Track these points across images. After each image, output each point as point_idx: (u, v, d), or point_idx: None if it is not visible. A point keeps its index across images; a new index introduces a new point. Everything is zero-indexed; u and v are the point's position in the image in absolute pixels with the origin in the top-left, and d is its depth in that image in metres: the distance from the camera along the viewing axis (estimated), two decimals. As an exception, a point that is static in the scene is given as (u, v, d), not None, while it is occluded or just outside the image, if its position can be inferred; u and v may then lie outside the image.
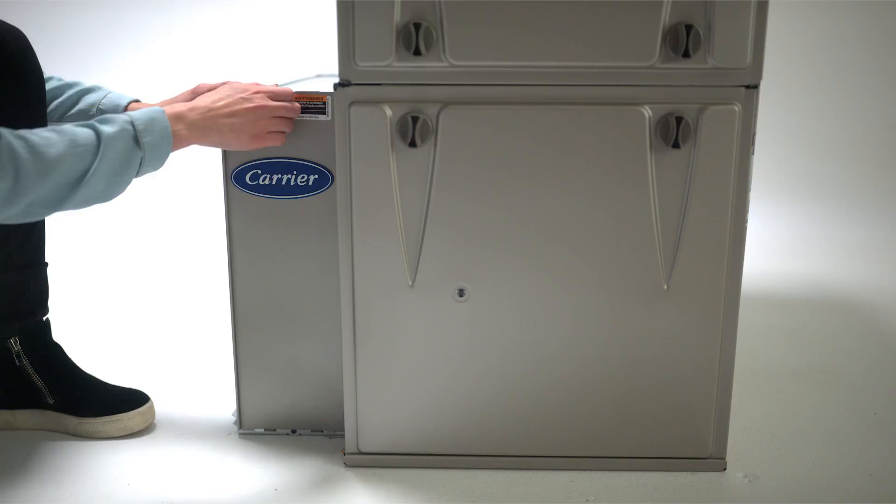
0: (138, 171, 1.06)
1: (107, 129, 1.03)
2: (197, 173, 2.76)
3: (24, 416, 1.34)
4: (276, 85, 1.25)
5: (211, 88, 1.35)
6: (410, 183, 1.14)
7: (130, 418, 1.33)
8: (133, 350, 1.71)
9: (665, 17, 1.09)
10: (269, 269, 1.26)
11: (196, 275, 2.20)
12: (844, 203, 2.84)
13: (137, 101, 1.40)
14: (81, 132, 1.02)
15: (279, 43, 2.88)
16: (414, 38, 1.09)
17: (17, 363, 1.31)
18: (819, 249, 2.50)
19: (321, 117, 1.20)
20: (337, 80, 1.12)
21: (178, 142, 1.10)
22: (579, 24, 1.09)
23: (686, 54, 1.09)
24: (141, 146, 1.05)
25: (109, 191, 1.04)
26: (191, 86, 1.38)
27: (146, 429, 1.35)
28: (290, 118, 1.19)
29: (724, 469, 1.24)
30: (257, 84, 1.20)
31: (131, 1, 2.91)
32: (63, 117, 1.37)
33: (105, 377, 1.39)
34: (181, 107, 1.12)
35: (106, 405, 1.33)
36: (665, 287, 1.17)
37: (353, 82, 1.12)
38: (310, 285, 1.26)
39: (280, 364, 1.30)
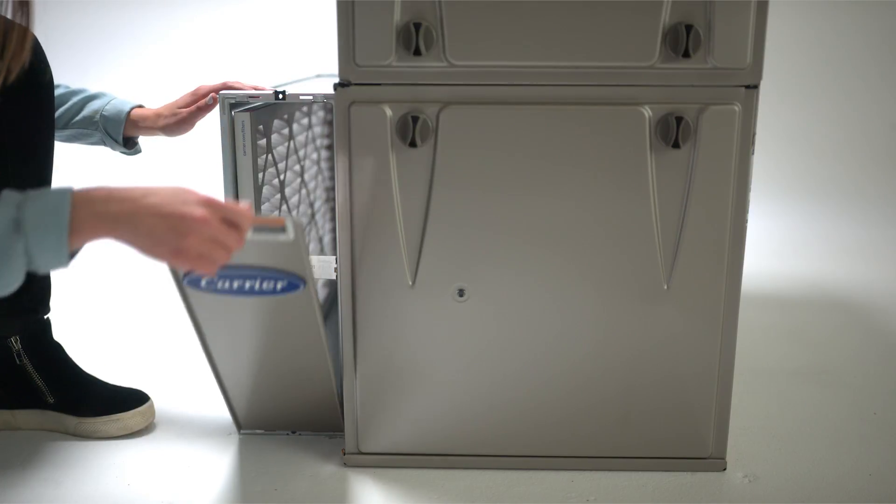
0: (29, 263, 0.85)
1: None
2: (198, 173, 2.76)
3: (24, 416, 1.34)
4: (237, 201, 1.08)
5: (211, 90, 1.35)
6: (410, 183, 1.14)
7: (130, 418, 1.33)
8: (133, 350, 1.71)
9: (665, 17, 1.09)
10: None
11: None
12: (844, 203, 2.84)
13: (141, 106, 1.41)
14: None
15: (279, 43, 2.88)
16: (414, 38, 1.09)
17: (18, 362, 1.31)
18: (819, 249, 2.51)
19: (282, 237, 1.02)
20: (337, 80, 1.12)
21: (78, 233, 0.86)
22: (579, 24, 1.09)
23: (686, 54, 1.09)
24: (22, 232, 0.84)
25: None
26: (191, 87, 1.39)
27: (146, 429, 1.35)
28: (230, 248, 0.94)
29: (724, 469, 1.24)
30: (210, 198, 0.94)
31: (131, 1, 2.91)
32: (68, 124, 1.38)
33: (105, 377, 1.39)
34: (100, 191, 0.89)
35: (106, 405, 1.33)
36: (665, 287, 1.17)
37: (353, 82, 1.12)
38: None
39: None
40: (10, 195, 0.86)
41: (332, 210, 1.99)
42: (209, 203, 0.93)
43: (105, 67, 2.88)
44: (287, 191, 1.49)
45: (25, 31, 0.96)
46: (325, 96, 1.22)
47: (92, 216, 0.87)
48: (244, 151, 1.23)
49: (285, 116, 1.49)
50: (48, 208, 0.85)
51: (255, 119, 1.24)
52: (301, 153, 1.64)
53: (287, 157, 1.49)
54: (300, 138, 1.63)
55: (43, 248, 0.85)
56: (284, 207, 1.45)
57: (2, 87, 0.96)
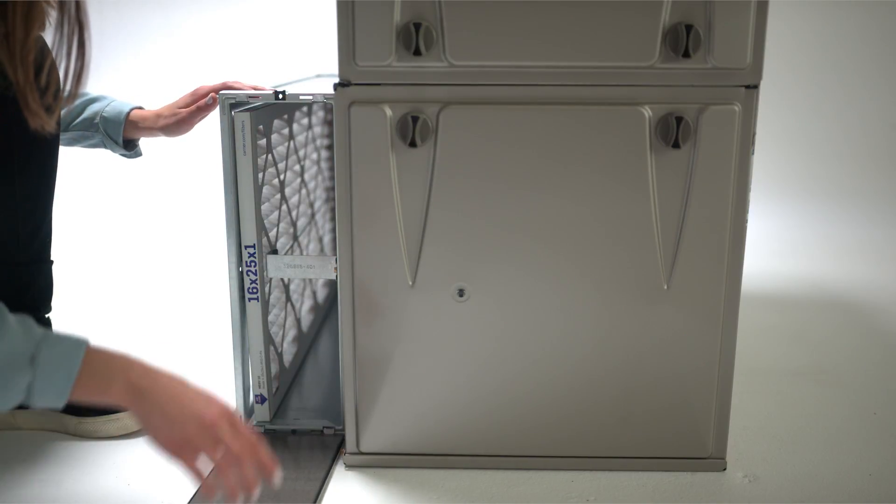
0: (28, 398, 0.86)
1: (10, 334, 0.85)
2: (198, 173, 2.76)
3: (24, 416, 1.34)
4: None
5: (211, 90, 1.36)
6: (410, 183, 1.14)
7: (130, 417, 1.33)
8: (133, 350, 1.71)
9: (665, 17, 1.09)
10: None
11: (196, 275, 2.20)
12: (844, 203, 2.84)
13: (140, 108, 1.41)
14: None
15: (279, 43, 2.88)
16: (414, 38, 1.09)
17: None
18: (819, 249, 2.51)
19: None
20: (337, 80, 1.12)
21: (84, 388, 0.87)
22: (579, 24, 1.09)
23: (686, 54, 1.09)
24: (34, 368, 0.85)
25: None
26: (191, 87, 1.39)
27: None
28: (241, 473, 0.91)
29: (724, 469, 1.24)
30: (243, 428, 0.92)
31: (131, 1, 2.91)
32: (68, 127, 1.38)
33: (105, 377, 1.38)
34: (132, 363, 0.92)
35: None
36: (665, 287, 1.17)
37: (353, 82, 1.12)
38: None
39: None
40: (33, 330, 0.87)
41: (332, 210, 1.99)
42: (242, 432, 0.91)
43: (105, 67, 2.88)
44: (287, 191, 1.49)
45: (80, 77, 0.95)
46: (325, 96, 1.22)
47: (102, 378, 0.90)
48: (244, 151, 1.23)
49: (285, 116, 1.48)
50: (65, 353, 0.87)
51: (255, 119, 1.24)
52: (301, 153, 1.64)
53: (287, 157, 1.48)
54: (300, 138, 1.63)
55: (46, 389, 0.86)
56: (284, 207, 1.45)
57: (52, 124, 0.95)
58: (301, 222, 1.62)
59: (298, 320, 1.60)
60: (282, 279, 1.46)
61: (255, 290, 1.28)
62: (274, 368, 1.37)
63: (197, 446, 0.90)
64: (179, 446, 0.90)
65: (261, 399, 1.33)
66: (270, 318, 1.37)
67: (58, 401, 0.87)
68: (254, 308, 1.29)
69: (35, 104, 0.92)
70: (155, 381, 0.92)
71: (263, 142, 1.32)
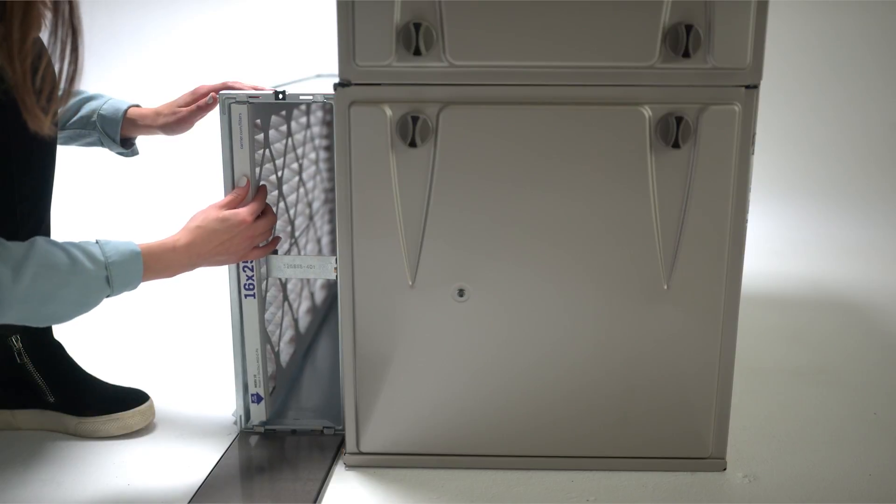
0: (110, 296, 1.10)
1: (86, 262, 1.06)
2: (196, 172, 2.76)
3: (24, 416, 1.34)
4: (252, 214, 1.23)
5: (211, 89, 1.35)
6: (410, 183, 1.14)
7: (130, 417, 1.33)
8: (133, 350, 1.71)
9: (665, 17, 1.09)
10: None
11: (196, 274, 2.19)
12: (844, 203, 2.84)
13: (137, 105, 1.41)
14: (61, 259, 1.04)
15: (279, 43, 2.88)
16: (414, 38, 1.09)
17: (18, 361, 1.31)
18: (819, 249, 2.51)
19: None
20: (337, 80, 1.12)
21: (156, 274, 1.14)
22: (579, 24, 1.09)
23: (686, 54, 1.09)
24: (110, 284, 1.08)
25: (70, 313, 1.07)
26: (191, 87, 1.39)
27: (146, 428, 1.35)
28: (269, 233, 1.25)
29: (724, 469, 1.24)
30: (244, 220, 1.20)
31: (131, 1, 2.91)
32: (66, 125, 1.38)
33: (105, 377, 1.39)
34: (170, 245, 1.16)
35: (106, 404, 1.33)
36: (665, 287, 1.17)
37: (353, 82, 1.12)
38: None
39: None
40: (96, 256, 1.07)
41: (331, 212, 1.99)
42: (241, 218, 1.20)
43: (105, 67, 2.88)
44: (285, 188, 1.49)
45: (73, 79, 0.98)
46: (325, 96, 1.22)
47: (167, 265, 1.15)
48: (241, 144, 1.23)
49: (283, 113, 1.48)
50: (128, 269, 1.09)
51: (252, 112, 1.23)
52: (299, 151, 1.64)
53: (285, 155, 1.48)
54: (298, 137, 1.63)
55: (121, 292, 1.10)
56: (282, 204, 1.45)
57: (49, 125, 0.98)
58: (299, 221, 1.62)
59: (296, 321, 1.59)
60: (279, 278, 1.46)
61: (251, 287, 1.28)
62: (271, 368, 1.37)
63: (253, 242, 1.23)
64: (241, 256, 1.23)
65: (257, 398, 1.33)
66: (267, 315, 1.37)
67: (134, 289, 1.12)
68: (250, 305, 1.29)
69: (32, 106, 0.94)
70: (199, 250, 1.18)
71: (261, 137, 1.32)
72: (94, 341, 1.73)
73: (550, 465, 1.24)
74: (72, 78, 0.98)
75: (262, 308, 1.31)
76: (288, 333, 1.53)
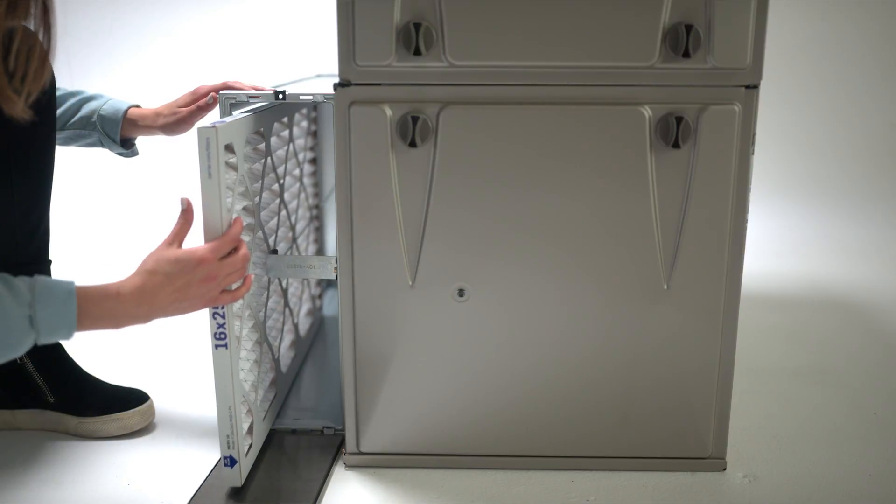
0: (37, 342, 0.95)
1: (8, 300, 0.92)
2: (196, 173, 2.76)
3: (24, 416, 1.34)
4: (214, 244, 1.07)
5: (211, 89, 1.35)
6: (410, 183, 1.14)
7: (130, 417, 1.33)
8: (133, 350, 1.71)
9: (665, 17, 1.09)
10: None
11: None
12: (844, 203, 2.84)
13: (137, 106, 1.41)
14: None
15: (279, 43, 2.88)
16: (414, 38, 1.09)
17: (18, 361, 1.31)
18: (819, 249, 2.51)
19: None
20: (337, 80, 1.12)
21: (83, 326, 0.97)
22: (579, 24, 1.09)
23: (686, 54, 1.09)
24: (35, 329, 0.94)
25: None
26: (191, 87, 1.39)
27: (146, 428, 1.35)
28: (241, 272, 1.08)
29: (724, 469, 1.24)
30: (204, 259, 1.04)
31: (131, 1, 2.91)
32: (65, 126, 1.38)
33: (105, 377, 1.39)
34: (124, 288, 1.00)
35: (106, 404, 1.33)
36: (665, 287, 1.17)
37: (353, 82, 1.12)
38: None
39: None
40: (20, 292, 0.94)
41: (317, 230, 1.88)
42: (206, 257, 1.04)
43: (105, 66, 2.88)
44: (263, 214, 1.34)
45: (46, 55, 0.96)
46: (325, 96, 1.22)
47: (97, 320, 0.98)
48: (209, 173, 1.04)
49: (261, 130, 1.28)
50: (58, 313, 0.95)
51: (223, 135, 1.06)
52: (280, 171, 1.45)
53: (263, 177, 1.30)
54: (280, 153, 1.48)
55: (51, 339, 0.96)
56: (260, 234, 1.28)
57: (24, 108, 0.96)
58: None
59: (296, 325, 1.59)
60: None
61: (223, 336, 1.09)
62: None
63: (219, 285, 1.06)
64: (207, 301, 1.06)
65: (230, 461, 1.13)
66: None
67: (67, 338, 0.97)
68: (221, 357, 1.09)
69: (5, 87, 0.92)
70: (151, 299, 1.01)
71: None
72: (94, 341, 1.73)
73: (550, 465, 1.24)
74: (44, 57, 0.95)
75: (236, 359, 1.14)
76: (288, 338, 1.53)
